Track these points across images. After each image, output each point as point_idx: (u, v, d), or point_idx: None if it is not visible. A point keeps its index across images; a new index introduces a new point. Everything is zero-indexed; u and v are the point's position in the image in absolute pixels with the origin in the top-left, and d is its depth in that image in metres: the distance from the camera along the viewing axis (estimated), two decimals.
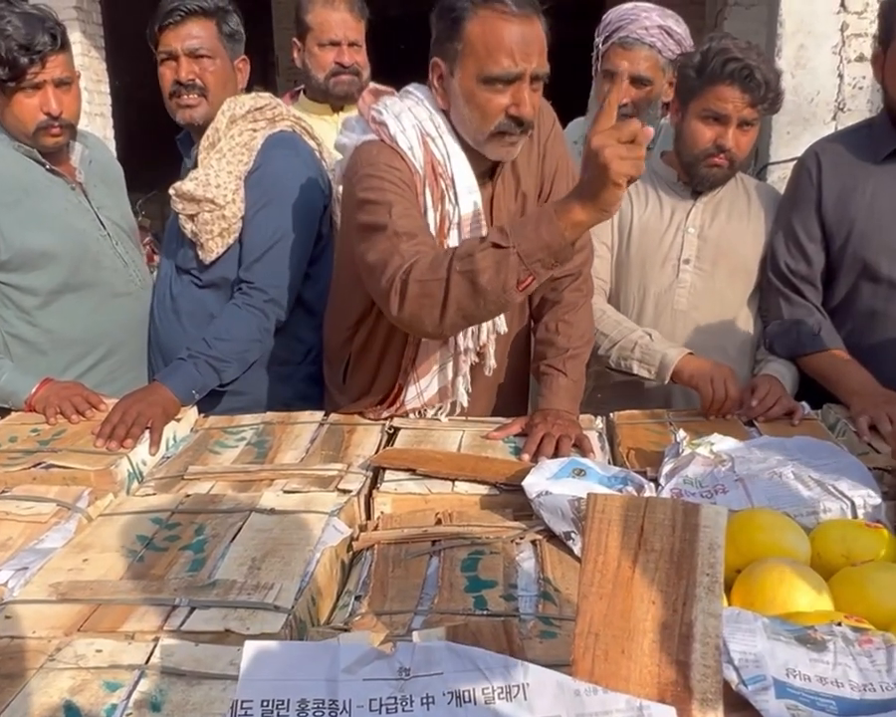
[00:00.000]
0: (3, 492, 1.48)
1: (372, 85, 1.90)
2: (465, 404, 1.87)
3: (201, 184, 1.99)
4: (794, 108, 3.26)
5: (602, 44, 2.32)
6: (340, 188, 1.92)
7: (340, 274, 1.92)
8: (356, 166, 1.71)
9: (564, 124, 2.62)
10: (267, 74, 12.37)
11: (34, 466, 1.57)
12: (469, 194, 1.72)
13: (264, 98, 2.12)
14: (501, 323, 1.81)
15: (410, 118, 1.71)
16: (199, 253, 2.05)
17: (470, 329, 1.76)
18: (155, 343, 2.20)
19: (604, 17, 2.34)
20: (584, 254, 1.89)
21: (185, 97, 2.04)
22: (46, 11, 2.03)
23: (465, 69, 1.63)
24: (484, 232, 1.64)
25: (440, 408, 1.88)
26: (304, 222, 2.05)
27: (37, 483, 1.52)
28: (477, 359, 1.84)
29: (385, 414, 1.87)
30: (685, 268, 2.10)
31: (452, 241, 1.70)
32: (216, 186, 1.99)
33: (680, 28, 2.29)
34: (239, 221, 2.02)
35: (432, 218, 1.70)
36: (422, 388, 1.84)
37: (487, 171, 1.78)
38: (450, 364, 1.83)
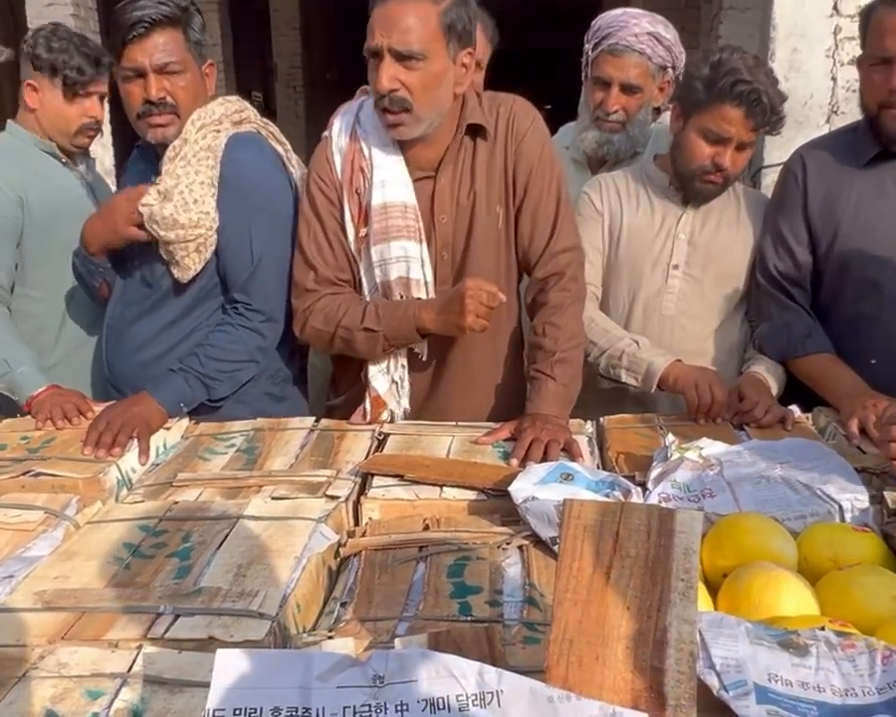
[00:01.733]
0: None
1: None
2: (402, 384, 1.93)
3: (180, 207, 1.88)
4: (788, 111, 3.25)
5: (592, 51, 2.32)
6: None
7: None
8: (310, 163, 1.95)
9: (555, 129, 2.63)
10: (266, 79, 12.39)
11: (23, 474, 1.57)
12: (385, 186, 1.84)
13: (231, 102, 2.03)
14: None
15: (350, 115, 1.90)
16: (177, 274, 1.96)
17: None
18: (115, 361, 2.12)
19: (593, 23, 2.34)
20: (569, 255, 1.90)
21: (157, 116, 1.92)
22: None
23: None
24: (410, 222, 1.84)
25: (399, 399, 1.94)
26: (286, 230, 1.99)
27: (25, 491, 1.52)
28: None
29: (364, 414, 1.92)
30: (674, 273, 2.10)
31: (373, 227, 1.85)
32: (194, 202, 1.89)
33: (669, 34, 2.29)
34: (214, 233, 1.93)
35: (348, 210, 1.87)
36: (372, 378, 1.92)
37: (433, 165, 1.86)
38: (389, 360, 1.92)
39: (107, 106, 2.43)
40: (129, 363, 2.06)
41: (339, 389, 2.09)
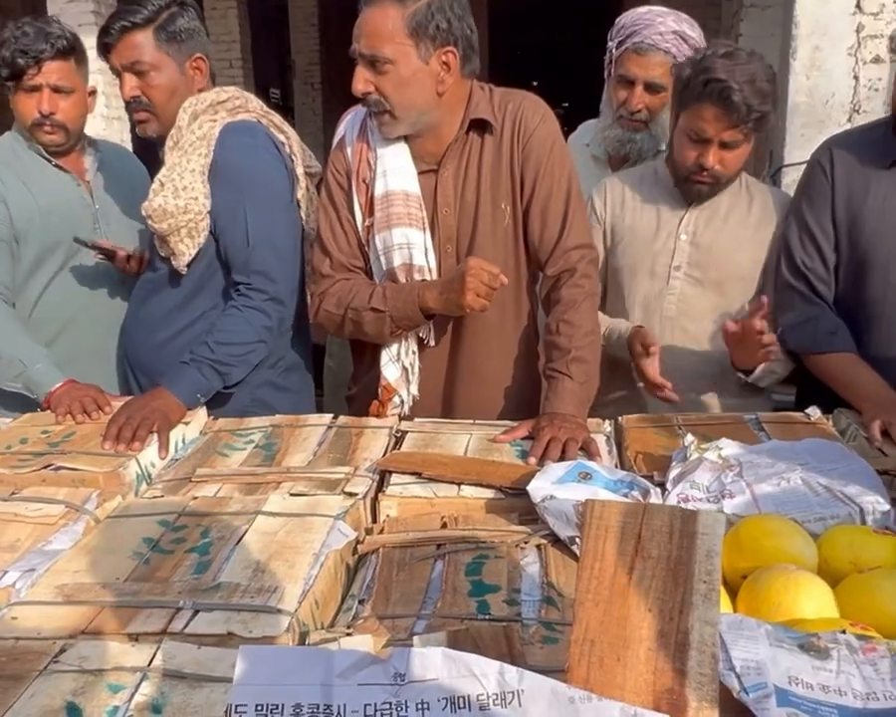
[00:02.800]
0: (13, 494, 1.50)
1: None
2: (413, 371, 1.97)
3: (170, 194, 1.96)
4: (809, 110, 3.24)
5: (616, 49, 2.31)
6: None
7: None
8: None
9: (572, 127, 2.63)
10: (284, 76, 12.42)
11: (43, 468, 1.58)
12: (386, 176, 1.90)
13: (227, 91, 2.09)
14: None
15: (366, 108, 1.90)
16: (174, 262, 2.03)
17: None
18: (129, 346, 2.23)
19: (618, 21, 2.32)
20: (581, 251, 1.91)
21: (136, 113, 2.05)
22: (60, 25, 2.24)
23: None
24: (412, 210, 1.90)
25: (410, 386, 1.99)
26: (285, 212, 2.05)
27: (46, 485, 1.53)
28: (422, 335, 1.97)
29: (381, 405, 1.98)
30: (675, 275, 2.09)
31: (376, 215, 1.92)
32: (183, 189, 1.97)
33: (695, 32, 2.27)
34: (206, 217, 1.99)
35: (356, 199, 1.95)
36: (384, 367, 1.98)
37: (437, 159, 1.92)
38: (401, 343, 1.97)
39: (101, 99, 2.43)
40: (143, 346, 2.16)
41: (356, 379, 2.14)
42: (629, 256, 2.14)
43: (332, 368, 3.15)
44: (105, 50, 2.03)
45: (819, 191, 1.97)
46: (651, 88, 2.28)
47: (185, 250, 2.01)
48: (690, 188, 2.06)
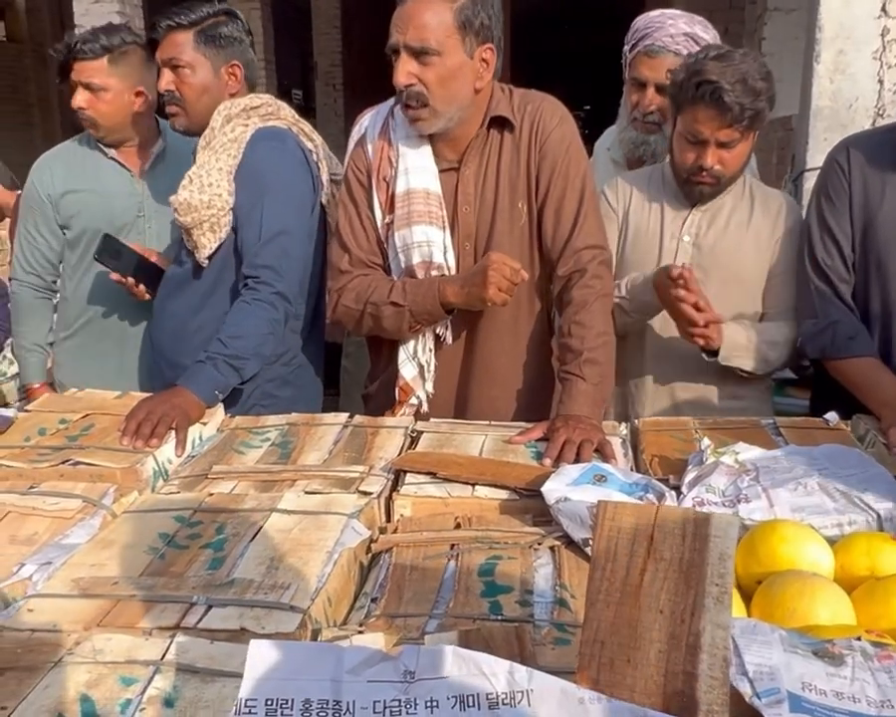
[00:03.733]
0: (31, 487, 1.51)
1: None
2: (429, 370, 1.99)
3: (196, 189, 2.05)
4: (833, 113, 3.21)
5: (630, 52, 2.31)
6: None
7: None
8: None
9: (602, 131, 2.63)
10: (306, 77, 12.47)
11: (62, 463, 1.59)
12: (407, 175, 1.92)
13: (262, 98, 2.19)
14: None
15: (389, 106, 1.94)
16: (196, 255, 2.11)
17: None
18: (156, 338, 2.30)
19: (632, 24, 2.33)
20: (592, 252, 1.91)
21: (168, 105, 2.18)
22: (111, 29, 2.47)
23: None
24: (433, 208, 1.91)
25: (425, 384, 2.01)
26: (300, 214, 2.12)
27: (64, 479, 1.54)
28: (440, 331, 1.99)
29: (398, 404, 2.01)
30: None
31: (397, 213, 1.94)
32: (208, 185, 2.05)
33: (708, 34, 2.26)
34: (228, 213, 2.07)
35: (376, 197, 1.96)
36: (401, 365, 2.00)
37: (458, 157, 1.94)
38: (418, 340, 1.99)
39: None
40: (169, 339, 2.23)
41: (373, 378, 2.15)
42: (633, 256, 2.15)
43: (347, 369, 3.17)
44: (152, 45, 2.19)
45: (837, 191, 1.97)
46: (663, 89, 2.27)
47: (206, 243, 2.09)
48: (692, 190, 2.06)
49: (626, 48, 2.34)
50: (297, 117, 2.23)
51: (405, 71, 1.79)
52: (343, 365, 3.19)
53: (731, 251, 2.08)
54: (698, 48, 2.22)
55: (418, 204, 1.90)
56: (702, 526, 0.74)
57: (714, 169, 1.99)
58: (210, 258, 2.12)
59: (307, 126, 2.24)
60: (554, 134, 1.91)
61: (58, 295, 2.63)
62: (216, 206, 2.06)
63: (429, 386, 2.00)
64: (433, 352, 1.99)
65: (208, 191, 2.05)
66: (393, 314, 1.91)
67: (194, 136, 2.20)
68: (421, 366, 1.99)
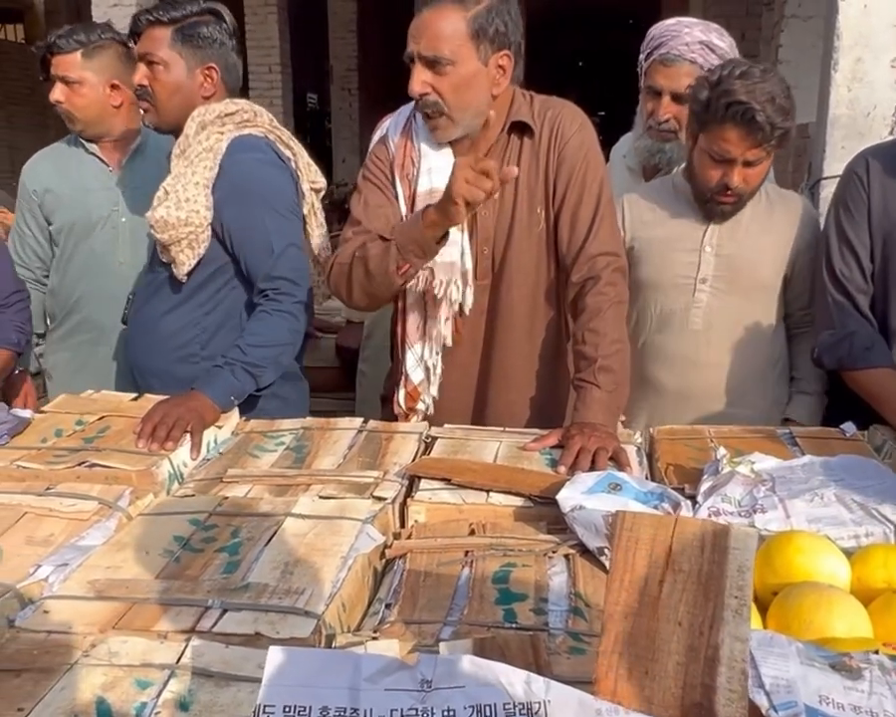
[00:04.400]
0: (48, 489, 1.51)
1: None
2: (436, 373, 2.00)
3: (172, 205, 2.01)
4: (850, 122, 3.19)
5: (645, 60, 2.31)
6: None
7: None
8: None
9: (617, 137, 2.63)
10: (321, 81, 12.51)
11: (78, 465, 1.60)
12: (430, 174, 1.92)
13: (237, 104, 2.13)
14: (459, 296, 1.95)
15: (411, 107, 1.93)
16: (174, 271, 2.09)
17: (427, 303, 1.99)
18: (129, 344, 2.30)
19: (648, 33, 2.33)
20: (606, 259, 1.90)
21: (141, 101, 2.16)
22: (85, 26, 2.56)
23: None
24: None
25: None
26: (296, 222, 2.13)
27: (80, 481, 1.55)
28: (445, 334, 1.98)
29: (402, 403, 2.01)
30: (701, 287, 2.08)
31: (418, 209, 1.90)
32: (185, 201, 2.01)
33: (723, 42, 2.26)
34: (207, 229, 2.04)
35: (400, 190, 1.96)
36: (410, 371, 2.00)
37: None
38: (425, 344, 1.99)
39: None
40: (139, 345, 2.23)
41: (391, 378, 2.16)
42: (650, 270, 2.13)
43: (365, 373, 3.16)
44: (133, 39, 2.16)
45: (856, 201, 1.96)
46: (678, 98, 2.27)
47: (185, 260, 2.06)
48: (713, 208, 2.06)
49: (642, 56, 2.34)
50: (274, 123, 2.20)
51: (420, 80, 1.81)
52: (361, 369, 3.18)
53: (753, 258, 2.07)
54: (714, 56, 2.22)
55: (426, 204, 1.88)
56: (721, 538, 0.74)
57: (737, 188, 1.99)
58: (189, 274, 2.09)
59: (284, 134, 2.21)
60: (572, 141, 1.91)
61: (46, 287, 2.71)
62: (194, 223, 2.02)
63: (434, 390, 2.00)
64: (440, 355, 1.99)
65: (185, 207, 2.01)
66: (380, 252, 1.83)
67: (168, 134, 2.18)
68: (427, 369, 1.99)
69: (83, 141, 2.61)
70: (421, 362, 1.99)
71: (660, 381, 2.17)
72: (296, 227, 2.11)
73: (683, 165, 2.20)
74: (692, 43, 2.23)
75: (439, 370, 1.99)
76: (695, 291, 2.09)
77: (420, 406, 2.02)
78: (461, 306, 1.96)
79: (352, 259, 1.87)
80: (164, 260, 2.11)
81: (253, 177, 2.05)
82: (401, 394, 2.02)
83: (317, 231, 2.26)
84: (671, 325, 2.12)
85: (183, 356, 2.14)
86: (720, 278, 2.06)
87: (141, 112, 2.18)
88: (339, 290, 1.97)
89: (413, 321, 2.01)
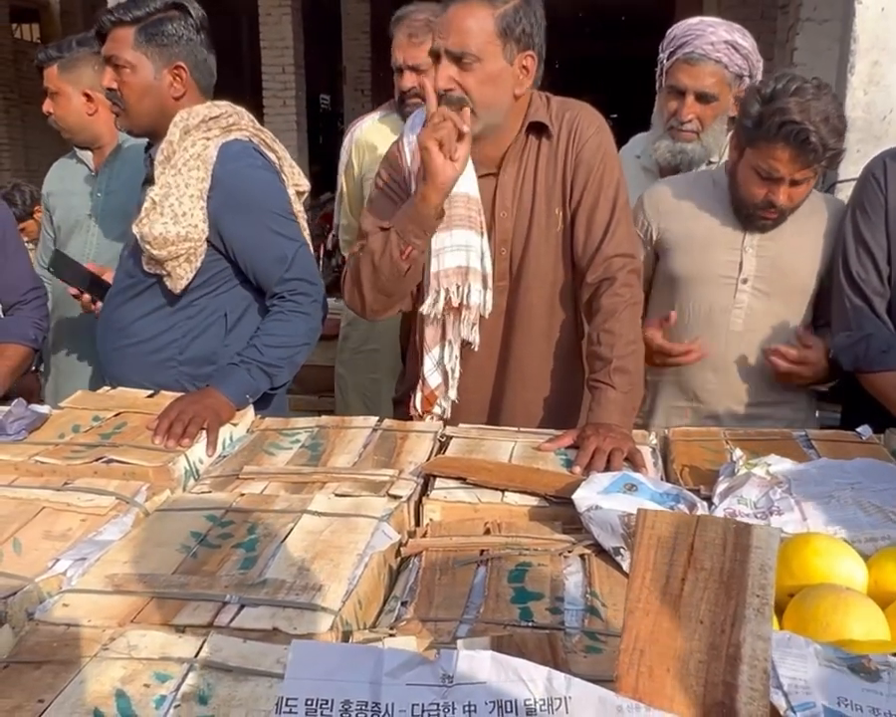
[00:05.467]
0: (65, 484, 1.53)
1: None
2: (457, 374, 1.99)
3: (170, 221, 1.95)
4: (866, 125, 3.19)
5: (667, 59, 2.30)
6: None
7: None
8: None
9: (627, 139, 2.63)
10: (334, 83, 12.54)
11: (95, 460, 1.61)
12: None
13: (220, 106, 2.07)
14: (480, 299, 1.95)
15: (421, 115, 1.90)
16: (168, 284, 2.04)
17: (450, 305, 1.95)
18: (100, 346, 2.24)
19: (669, 32, 2.32)
20: (622, 260, 1.91)
21: (112, 105, 2.10)
22: (70, 38, 2.65)
23: None
24: (472, 213, 1.91)
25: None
26: (297, 223, 2.12)
27: (98, 477, 1.56)
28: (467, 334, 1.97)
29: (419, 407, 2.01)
30: (743, 288, 2.06)
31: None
32: (182, 215, 1.96)
33: (747, 42, 2.25)
34: (204, 243, 2.00)
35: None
36: (428, 375, 2.00)
37: (497, 163, 1.94)
38: (444, 348, 1.99)
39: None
40: (110, 347, 2.18)
41: (404, 382, 2.16)
42: (685, 264, 2.11)
43: (342, 376, 3.14)
44: (99, 40, 2.08)
45: (873, 204, 1.96)
46: (702, 98, 2.26)
47: (183, 274, 2.01)
48: (754, 222, 2.04)
49: (663, 55, 2.33)
50: (257, 125, 2.15)
51: (445, 75, 1.80)
52: (338, 373, 3.16)
53: (793, 260, 2.06)
54: (738, 56, 2.21)
55: (459, 208, 1.89)
56: (743, 536, 0.74)
57: (782, 205, 1.97)
58: (185, 290, 2.05)
59: (268, 136, 2.15)
60: (590, 142, 1.92)
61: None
62: (193, 239, 1.97)
63: (452, 394, 2.00)
64: (458, 359, 1.99)
65: (183, 222, 1.96)
66: (382, 243, 1.85)
67: (142, 137, 2.15)
68: (446, 374, 1.99)
69: (75, 148, 2.77)
70: (439, 367, 1.99)
71: (698, 380, 2.14)
72: (298, 227, 2.10)
73: (724, 161, 2.17)
74: (717, 42, 2.22)
75: (458, 374, 1.99)
76: (736, 291, 2.07)
77: (437, 410, 2.02)
78: (480, 309, 1.96)
79: (358, 260, 1.89)
80: (149, 270, 2.04)
81: (250, 186, 2.02)
82: (418, 398, 2.02)
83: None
84: (710, 325, 2.09)
85: (160, 360, 2.10)
86: (761, 279, 2.04)
87: (115, 118, 2.13)
88: (354, 301, 1.97)
89: (432, 326, 1.99)
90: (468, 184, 1.91)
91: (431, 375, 1.99)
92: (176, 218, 1.96)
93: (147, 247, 1.98)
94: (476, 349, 1.99)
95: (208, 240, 2.01)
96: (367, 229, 1.94)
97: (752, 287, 2.05)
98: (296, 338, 1.99)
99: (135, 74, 2.01)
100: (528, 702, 0.70)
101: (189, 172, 1.97)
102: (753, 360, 2.06)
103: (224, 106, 2.08)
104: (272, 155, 2.13)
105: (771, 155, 1.90)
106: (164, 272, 2.02)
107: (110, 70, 2.03)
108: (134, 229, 2.00)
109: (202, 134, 2.00)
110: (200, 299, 2.08)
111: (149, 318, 2.11)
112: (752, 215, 2.02)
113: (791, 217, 2.06)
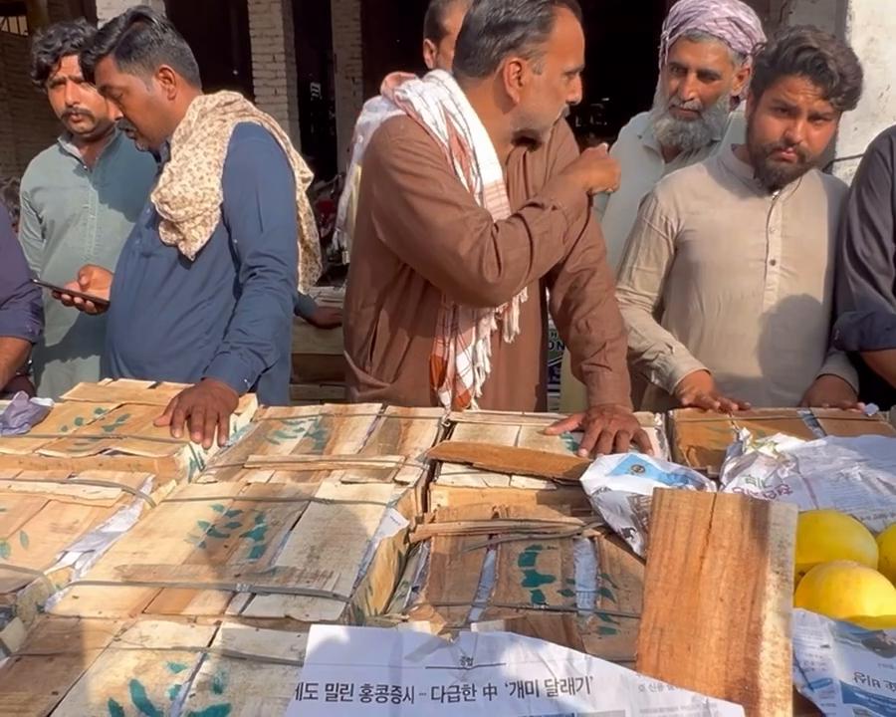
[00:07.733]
0: (71, 477, 1.52)
1: (396, 72, 2.08)
2: (487, 371, 1.98)
3: (188, 183, 2.05)
4: (863, 102, 3.15)
5: (669, 37, 2.28)
6: (358, 170, 2.17)
7: (361, 249, 1.99)
8: (386, 137, 1.82)
9: (613, 122, 2.62)
10: (324, 70, 12.48)
11: (100, 452, 1.60)
12: (491, 165, 1.84)
13: (233, 95, 2.21)
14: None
15: (433, 95, 1.83)
16: (181, 248, 2.12)
17: None
18: (113, 333, 2.27)
19: (672, 9, 2.30)
20: (597, 251, 1.95)
21: (126, 132, 2.27)
22: (79, 24, 2.61)
23: (552, 65, 1.79)
24: (503, 201, 1.84)
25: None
26: (292, 209, 2.17)
27: (103, 469, 1.55)
28: (495, 326, 1.96)
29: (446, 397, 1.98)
30: (772, 269, 2.03)
31: (486, 205, 1.84)
32: (199, 179, 2.06)
33: (751, 19, 2.24)
34: (218, 209, 2.10)
35: (463, 182, 1.83)
36: (463, 374, 1.97)
37: (503, 158, 1.90)
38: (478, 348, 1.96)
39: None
40: (126, 333, 2.22)
41: (385, 377, 2.05)
42: (714, 254, 2.07)
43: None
44: (89, 81, 2.22)
45: (879, 181, 1.95)
46: (705, 75, 2.25)
47: (198, 237, 2.10)
48: (771, 167, 1.97)
49: (665, 33, 2.31)
50: (266, 115, 2.27)
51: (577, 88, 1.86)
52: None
53: (816, 239, 2.04)
54: (741, 33, 2.20)
55: (493, 199, 1.85)
56: (761, 513, 0.73)
57: (800, 145, 1.92)
58: (198, 254, 2.12)
59: (276, 126, 2.26)
60: (564, 144, 1.97)
61: None
62: (209, 200, 2.07)
63: (478, 389, 1.99)
64: (487, 356, 1.99)
65: (200, 185, 2.06)
66: (559, 224, 1.80)
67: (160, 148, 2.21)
68: (477, 370, 1.98)
69: (61, 142, 2.74)
70: (473, 366, 1.97)
71: (729, 368, 2.09)
72: (288, 210, 2.15)
73: (731, 145, 2.15)
74: (720, 19, 2.20)
75: (487, 370, 1.98)
76: (766, 273, 2.03)
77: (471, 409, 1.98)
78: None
79: (531, 240, 1.75)
80: (167, 241, 2.13)
81: (253, 158, 2.11)
82: (446, 397, 1.98)
83: (305, 220, 2.30)
84: (742, 310, 2.06)
85: (189, 342, 2.16)
86: (788, 259, 2.02)
87: (134, 142, 2.23)
88: (518, 278, 1.79)
89: (467, 321, 1.94)
90: (497, 169, 1.85)
91: (466, 374, 1.96)
92: (194, 181, 2.06)
93: (166, 208, 2.07)
94: (516, 337, 2.00)
95: (222, 207, 2.10)
96: (451, 198, 1.75)
97: (780, 268, 2.02)
98: (274, 312, 2.00)
99: (131, 94, 2.11)
100: (548, 683, 0.70)
101: (207, 146, 2.10)
102: (784, 342, 2.03)
103: (236, 94, 2.22)
104: (281, 142, 2.23)
105: (788, 86, 1.87)
106: (180, 236, 2.10)
107: (110, 102, 2.17)
108: (153, 197, 2.10)
109: (219, 116, 2.14)
110: (220, 279, 2.15)
111: (173, 299, 2.16)
112: (769, 157, 1.97)
113: (809, 195, 2.04)
